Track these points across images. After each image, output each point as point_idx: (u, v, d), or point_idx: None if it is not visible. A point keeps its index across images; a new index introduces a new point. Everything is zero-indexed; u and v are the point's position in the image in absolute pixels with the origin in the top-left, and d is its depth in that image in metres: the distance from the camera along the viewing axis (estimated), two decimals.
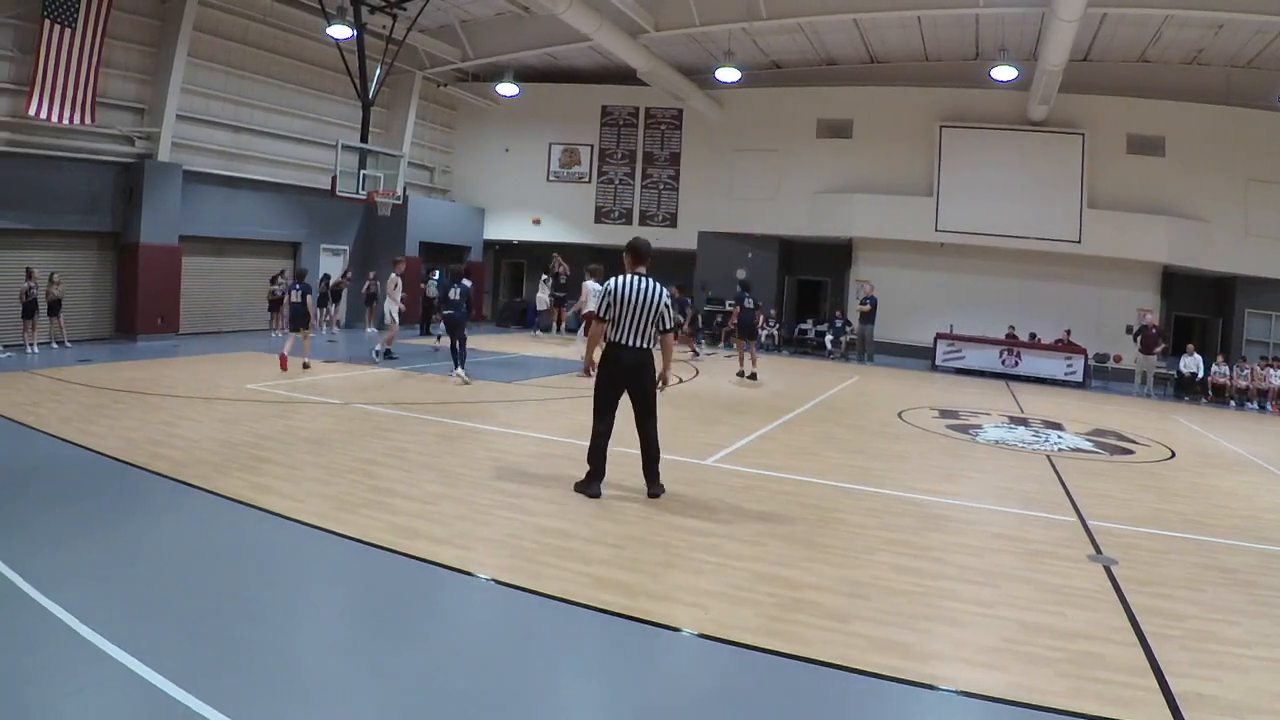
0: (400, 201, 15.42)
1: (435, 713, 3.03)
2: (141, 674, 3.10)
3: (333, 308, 17.99)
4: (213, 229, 16.31)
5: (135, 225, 14.55)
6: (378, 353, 13.49)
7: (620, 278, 5.84)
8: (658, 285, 5.81)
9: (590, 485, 5.97)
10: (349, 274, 18.93)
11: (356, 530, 4.91)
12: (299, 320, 12.01)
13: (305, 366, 11.76)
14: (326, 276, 18.13)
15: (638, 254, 5.93)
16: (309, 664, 3.40)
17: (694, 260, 21.58)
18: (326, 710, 3.01)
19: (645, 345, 5.77)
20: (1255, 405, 15.93)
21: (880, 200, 19.32)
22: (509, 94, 20.90)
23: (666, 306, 5.82)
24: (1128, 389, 17.04)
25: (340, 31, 14.77)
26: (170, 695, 2.97)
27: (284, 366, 11.33)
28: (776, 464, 7.40)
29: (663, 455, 7.39)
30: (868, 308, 18.53)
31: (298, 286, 12.24)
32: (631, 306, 5.71)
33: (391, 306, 14.24)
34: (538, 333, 19.61)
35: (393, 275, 14.34)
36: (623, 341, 5.76)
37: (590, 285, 12.63)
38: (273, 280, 17.34)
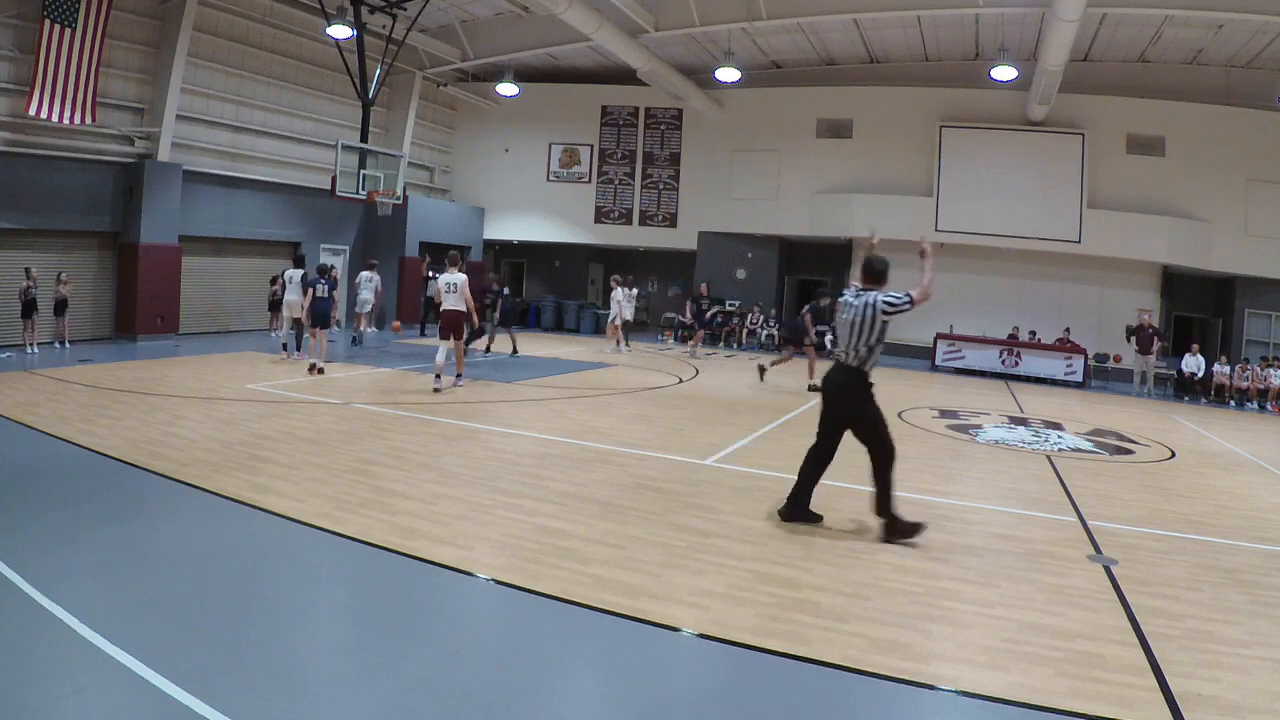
0: (400, 201, 15.43)
1: (435, 713, 3.02)
2: (142, 674, 3.10)
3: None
4: (213, 229, 16.32)
5: (135, 225, 14.55)
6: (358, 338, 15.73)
7: (846, 294, 5.58)
8: (873, 298, 5.35)
9: (795, 505, 5.61)
10: (334, 269, 18.97)
11: (356, 530, 4.92)
12: (322, 318, 11.65)
13: (319, 371, 11.36)
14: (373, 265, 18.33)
15: (868, 271, 5.57)
16: (309, 664, 3.40)
17: (694, 260, 21.60)
18: (326, 710, 3.01)
19: (853, 364, 5.36)
20: (1255, 405, 15.93)
21: (880, 200, 19.32)
22: (509, 94, 20.90)
23: (884, 320, 5.31)
24: (1128, 389, 17.04)
25: (340, 31, 14.77)
26: (171, 695, 2.97)
27: (313, 370, 11.33)
28: (776, 464, 7.40)
29: (664, 456, 7.42)
30: None
31: (323, 281, 11.77)
32: (842, 323, 5.44)
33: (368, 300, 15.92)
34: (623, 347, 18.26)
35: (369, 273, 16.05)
36: (836, 358, 5.50)
37: (366, 275, 13.81)
38: (273, 281, 17.33)
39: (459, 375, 10.82)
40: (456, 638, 3.74)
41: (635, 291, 18.69)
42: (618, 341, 17.48)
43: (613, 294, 17.54)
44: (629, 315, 18.04)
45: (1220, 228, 17.49)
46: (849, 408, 5.40)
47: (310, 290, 11.76)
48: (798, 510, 5.56)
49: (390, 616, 3.87)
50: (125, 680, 3.07)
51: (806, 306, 13.66)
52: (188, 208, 15.38)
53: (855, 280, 5.78)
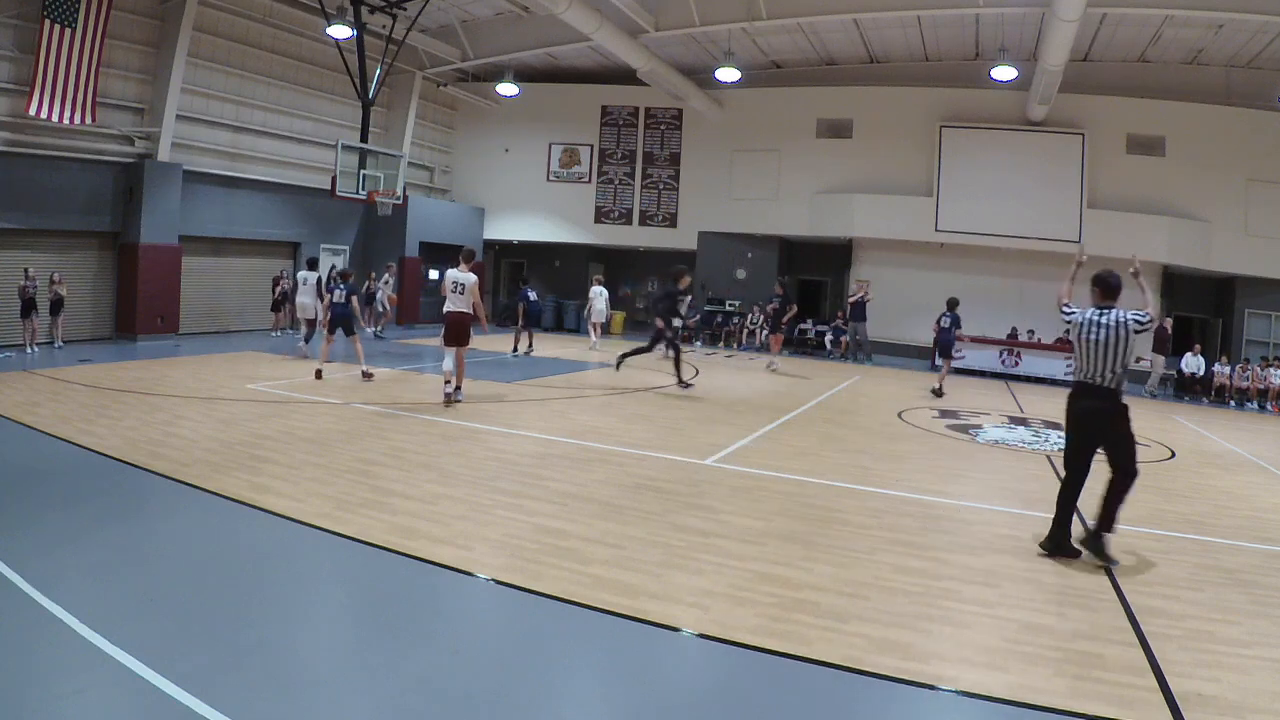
0: (400, 201, 15.46)
1: (435, 713, 3.03)
2: (142, 674, 3.10)
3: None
4: (213, 229, 16.32)
5: (135, 225, 14.56)
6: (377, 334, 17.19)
7: (1078, 313, 5.37)
8: (1123, 316, 5.19)
9: (1057, 543, 5.26)
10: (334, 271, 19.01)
11: (356, 530, 4.92)
12: (339, 324, 11.15)
13: (319, 375, 10.90)
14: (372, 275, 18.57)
15: (1106, 288, 5.37)
16: (309, 664, 3.40)
17: (694, 260, 21.59)
18: (326, 710, 3.01)
19: (1111, 385, 5.16)
20: (1255, 405, 15.93)
21: (880, 200, 19.33)
22: (509, 94, 20.91)
23: (1134, 338, 5.14)
24: (1127, 389, 16.99)
25: (340, 31, 14.77)
26: (171, 696, 2.97)
27: (319, 376, 10.84)
28: (776, 464, 7.40)
29: (664, 456, 7.43)
30: (853, 300, 18.58)
31: (342, 286, 11.39)
32: (1091, 344, 5.19)
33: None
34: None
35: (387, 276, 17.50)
36: (1085, 380, 5.23)
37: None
38: (275, 282, 17.36)
39: (457, 389, 9.57)
40: (456, 638, 3.75)
41: (690, 299, 17.98)
42: (593, 341, 17.61)
43: (591, 290, 17.83)
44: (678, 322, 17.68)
45: (1220, 228, 17.49)
46: (1111, 430, 5.19)
47: (328, 296, 11.54)
48: (1061, 546, 5.21)
49: (390, 616, 3.87)
50: (125, 680, 3.07)
51: (948, 317, 13.52)
52: (188, 208, 15.38)
53: (1066, 298, 5.65)
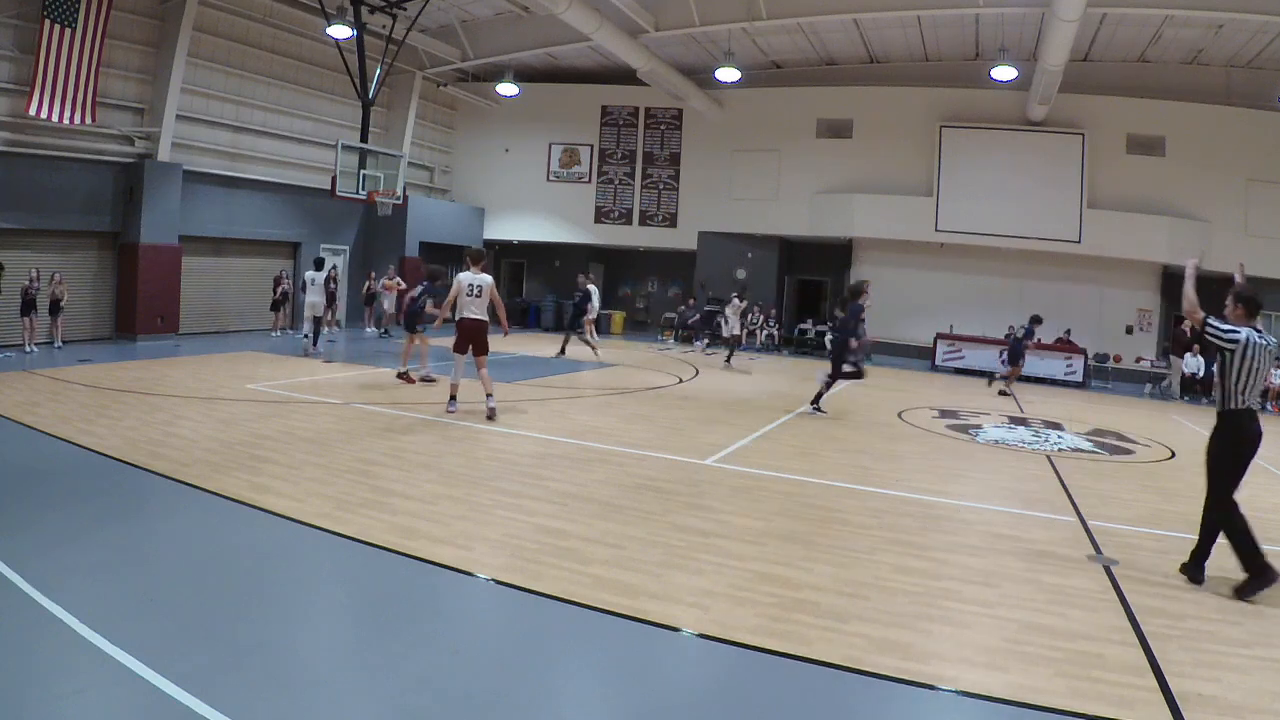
0: (400, 201, 15.46)
1: (436, 713, 3.02)
2: (142, 674, 3.10)
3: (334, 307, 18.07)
4: (213, 229, 16.32)
5: (135, 225, 14.55)
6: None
7: (1244, 332, 4.88)
8: (1273, 339, 4.98)
9: (1260, 580, 4.73)
10: (335, 270, 19.00)
11: (356, 530, 4.92)
12: (414, 320, 11.44)
13: (409, 378, 11.01)
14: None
15: (1253, 307, 5.04)
16: (309, 664, 3.40)
17: (694, 260, 21.60)
18: (326, 710, 3.01)
19: (1257, 406, 5.01)
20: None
21: (880, 200, 19.33)
22: (509, 94, 20.91)
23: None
24: (1128, 389, 17.02)
25: (340, 31, 14.78)
26: (171, 696, 2.97)
27: (411, 379, 10.99)
28: (776, 464, 7.40)
29: (664, 456, 7.43)
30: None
31: (427, 285, 11.63)
32: (1261, 366, 4.88)
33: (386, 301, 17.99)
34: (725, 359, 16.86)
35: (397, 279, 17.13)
36: (1253, 406, 4.93)
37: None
38: (276, 281, 17.36)
39: (489, 395, 8.85)
40: (456, 638, 3.75)
41: (744, 304, 17.29)
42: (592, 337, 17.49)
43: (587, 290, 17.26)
44: (736, 329, 16.77)
45: (1220, 228, 17.47)
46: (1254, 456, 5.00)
47: (430, 297, 11.70)
48: (1261, 575, 4.75)
49: (390, 616, 3.87)
50: (125, 680, 3.07)
51: (1025, 329, 14.75)
52: (188, 208, 15.38)
53: (1201, 311, 5.07)
